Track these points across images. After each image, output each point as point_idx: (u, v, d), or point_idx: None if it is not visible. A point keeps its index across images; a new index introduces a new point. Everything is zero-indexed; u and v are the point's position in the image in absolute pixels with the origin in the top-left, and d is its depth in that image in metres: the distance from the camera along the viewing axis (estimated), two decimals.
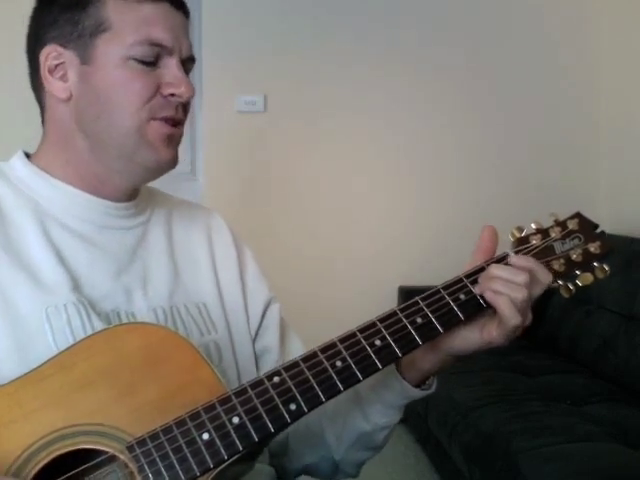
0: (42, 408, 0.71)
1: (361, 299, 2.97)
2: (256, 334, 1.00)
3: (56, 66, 0.86)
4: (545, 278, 0.83)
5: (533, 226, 0.90)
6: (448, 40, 3.02)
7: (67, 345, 0.76)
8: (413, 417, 2.61)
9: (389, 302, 2.97)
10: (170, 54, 0.86)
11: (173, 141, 0.88)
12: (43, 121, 0.92)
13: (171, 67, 0.86)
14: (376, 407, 0.91)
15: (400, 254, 3.05)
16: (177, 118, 0.88)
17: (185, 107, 0.89)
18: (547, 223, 0.91)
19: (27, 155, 0.93)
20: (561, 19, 3.09)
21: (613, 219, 2.95)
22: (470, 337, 0.84)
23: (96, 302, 0.85)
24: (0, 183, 0.89)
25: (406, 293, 2.95)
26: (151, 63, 0.85)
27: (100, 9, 0.84)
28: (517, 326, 0.80)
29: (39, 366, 0.73)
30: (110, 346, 0.74)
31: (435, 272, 2.92)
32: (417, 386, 0.89)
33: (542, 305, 2.88)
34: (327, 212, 3.00)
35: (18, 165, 0.91)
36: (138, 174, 0.89)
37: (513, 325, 0.80)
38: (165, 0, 0.86)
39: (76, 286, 0.84)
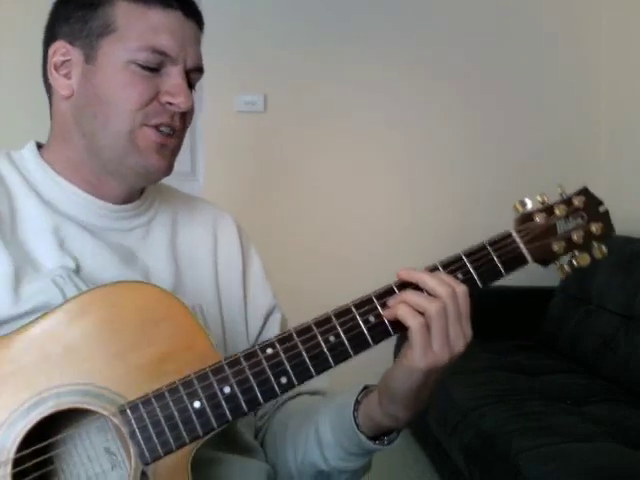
0: (37, 363, 0.71)
1: None
2: (254, 342, 0.98)
3: (62, 62, 0.87)
4: (460, 289, 0.78)
5: (538, 199, 0.88)
6: (448, 40, 3.02)
7: (76, 294, 0.76)
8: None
9: None
10: (174, 63, 0.86)
11: (166, 150, 0.88)
12: (51, 115, 0.92)
13: (173, 76, 0.86)
14: (335, 451, 0.88)
15: (400, 254, 3.05)
16: (173, 125, 0.87)
17: (184, 117, 0.89)
18: (553, 192, 0.88)
19: (40, 146, 0.94)
20: (561, 19, 3.09)
21: (613, 219, 2.94)
22: (397, 371, 0.79)
23: None
24: (11, 171, 0.89)
25: None
26: (153, 69, 0.85)
27: (109, 11, 0.84)
28: (425, 338, 0.75)
29: (33, 320, 0.73)
30: (108, 303, 0.74)
31: None
32: (377, 438, 0.85)
33: (542, 305, 2.89)
34: (327, 212, 3.00)
35: (27, 155, 0.91)
36: (130, 178, 0.89)
37: (418, 335, 0.75)
38: (177, 8, 0.86)
39: (78, 271, 0.84)
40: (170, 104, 0.86)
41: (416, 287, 0.80)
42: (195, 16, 0.90)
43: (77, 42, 0.86)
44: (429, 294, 0.78)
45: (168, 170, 0.90)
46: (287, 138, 2.96)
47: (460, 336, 0.77)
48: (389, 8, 2.97)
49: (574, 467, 1.72)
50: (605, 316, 2.51)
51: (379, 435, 0.86)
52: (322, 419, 0.89)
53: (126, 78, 0.84)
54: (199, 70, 0.90)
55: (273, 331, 1.01)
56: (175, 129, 0.88)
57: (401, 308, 0.77)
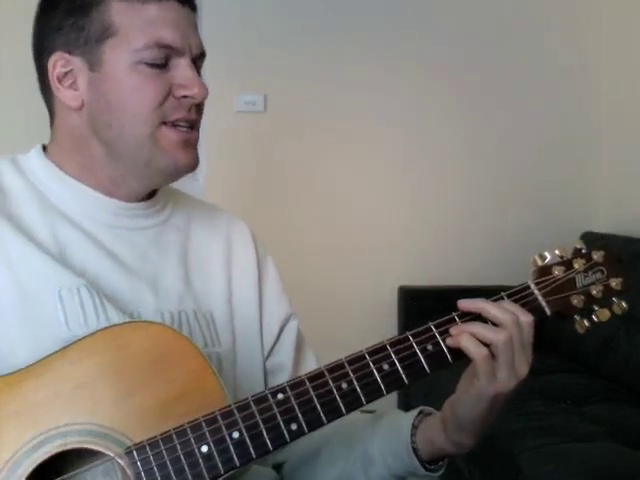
0: (45, 403, 0.71)
1: (361, 299, 2.97)
2: (270, 351, 0.98)
3: (65, 74, 0.85)
4: (525, 320, 0.78)
5: (557, 252, 0.87)
6: (448, 40, 3.01)
7: (80, 328, 0.77)
8: None
9: (389, 302, 2.97)
10: (180, 55, 0.84)
11: (190, 144, 0.87)
12: (52, 124, 0.91)
13: (182, 68, 0.84)
14: (381, 472, 0.88)
15: (400, 254, 3.05)
16: (191, 119, 0.86)
17: (199, 108, 0.88)
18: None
19: (45, 148, 0.93)
20: (561, 19, 3.09)
21: (613, 219, 2.94)
22: (466, 401, 0.79)
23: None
24: (13, 175, 0.88)
25: (406, 293, 2.95)
26: (161, 65, 0.83)
27: (104, 13, 0.82)
28: (490, 365, 0.76)
29: (44, 358, 0.73)
30: (116, 344, 0.73)
31: (435, 272, 2.95)
32: (429, 461, 0.86)
33: None
34: (327, 212, 3.00)
35: (34, 158, 0.90)
36: (156, 178, 0.89)
37: (484, 363, 0.76)
38: None
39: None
40: (185, 97, 0.85)
41: (476, 318, 0.79)
42: (189, 2, 0.87)
43: (76, 51, 0.83)
44: (493, 324, 0.78)
45: (196, 164, 0.89)
46: (287, 138, 2.96)
47: (524, 362, 0.78)
48: (389, 8, 2.97)
49: (574, 467, 1.72)
50: None
51: (433, 460, 0.85)
52: (370, 438, 0.89)
53: (136, 81, 0.82)
54: (203, 55, 0.89)
55: (289, 339, 1.00)
56: (193, 122, 0.87)
57: (465, 339, 0.77)
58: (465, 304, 0.80)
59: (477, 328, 0.77)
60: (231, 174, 2.93)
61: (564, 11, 3.08)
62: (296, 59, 2.92)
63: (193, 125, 0.87)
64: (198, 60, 0.88)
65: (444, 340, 0.78)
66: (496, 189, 3.09)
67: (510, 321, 0.77)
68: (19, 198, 0.86)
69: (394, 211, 3.05)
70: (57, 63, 0.84)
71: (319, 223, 2.99)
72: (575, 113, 3.12)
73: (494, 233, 2.97)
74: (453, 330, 0.78)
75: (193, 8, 0.88)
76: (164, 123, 0.84)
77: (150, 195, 0.93)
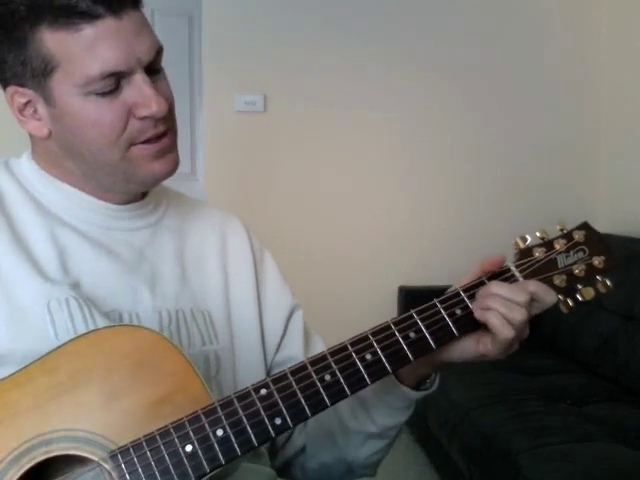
0: (27, 411, 0.70)
1: (361, 299, 2.97)
2: (279, 344, 0.98)
3: (25, 104, 0.83)
4: (549, 300, 0.82)
5: (538, 234, 0.87)
6: (449, 40, 3.01)
7: (69, 339, 0.75)
8: (413, 417, 2.61)
9: (389, 302, 2.97)
10: (131, 72, 0.80)
11: (165, 152, 0.85)
12: (31, 139, 0.90)
13: (135, 85, 0.80)
14: (381, 410, 0.90)
15: (400, 254, 3.05)
16: (159, 133, 0.84)
17: (166, 117, 0.84)
18: (552, 228, 0.88)
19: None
20: (561, 19, 3.09)
21: (613, 219, 2.94)
22: (466, 348, 0.83)
23: (97, 300, 0.84)
24: (6, 178, 0.89)
25: (406, 293, 2.95)
26: (113, 90, 0.80)
27: (41, 46, 0.78)
28: (512, 341, 0.80)
29: (25, 366, 0.72)
30: (97, 349, 0.73)
31: (435, 272, 2.95)
32: (417, 386, 0.88)
33: None
34: (327, 212, 3.00)
35: (25, 163, 0.90)
36: (137, 188, 0.89)
37: (507, 340, 0.79)
38: (104, 14, 0.77)
39: (77, 284, 0.84)
40: (147, 116, 0.81)
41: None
42: (124, 5, 0.79)
43: (27, 83, 0.81)
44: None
45: (175, 167, 0.88)
46: (287, 138, 2.96)
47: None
48: (390, 8, 2.97)
49: (574, 467, 1.72)
50: (605, 316, 2.51)
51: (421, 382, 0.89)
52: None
53: (92, 112, 0.80)
54: (159, 52, 0.83)
55: (297, 330, 1.00)
56: (163, 133, 0.85)
57: (493, 316, 0.79)
58: (494, 289, 0.82)
59: (503, 309, 0.79)
60: (231, 174, 2.93)
61: (565, 12, 3.09)
62: (296, 59, 2.92)
63: (165, 133, 0.85)
64: (155, 60, 0.83)
65: (428, 326, 0.79)
66: (496, 189, 3.09)
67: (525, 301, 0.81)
68: (16, 203, 0.86)
69: (394, 211, 3.05)
70: (14, 95, 0.83)
71: (319, 223, 2.99)
72: (575, 113, 3.12)
73: (494, 233, 2.97)
74: (479, 301, 0.81)
75: (134, 5, 0.80)
76: (133, 144, 0.83)
77: (143, 194, 0.93)
